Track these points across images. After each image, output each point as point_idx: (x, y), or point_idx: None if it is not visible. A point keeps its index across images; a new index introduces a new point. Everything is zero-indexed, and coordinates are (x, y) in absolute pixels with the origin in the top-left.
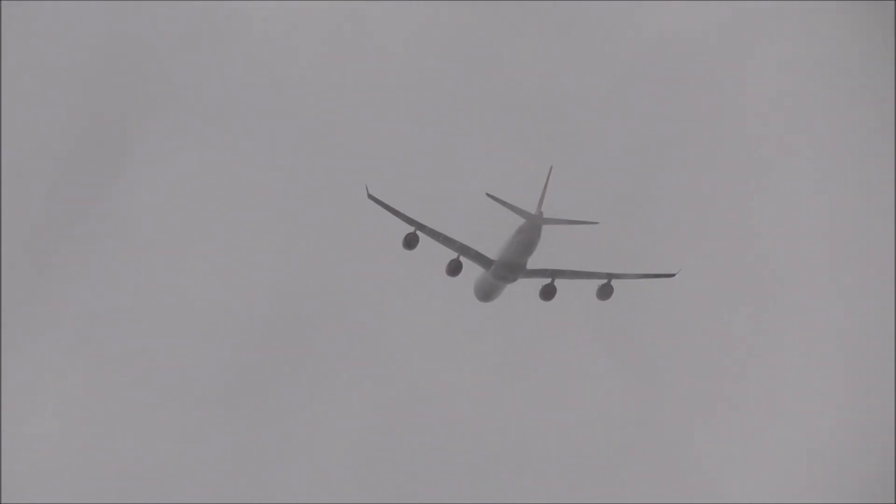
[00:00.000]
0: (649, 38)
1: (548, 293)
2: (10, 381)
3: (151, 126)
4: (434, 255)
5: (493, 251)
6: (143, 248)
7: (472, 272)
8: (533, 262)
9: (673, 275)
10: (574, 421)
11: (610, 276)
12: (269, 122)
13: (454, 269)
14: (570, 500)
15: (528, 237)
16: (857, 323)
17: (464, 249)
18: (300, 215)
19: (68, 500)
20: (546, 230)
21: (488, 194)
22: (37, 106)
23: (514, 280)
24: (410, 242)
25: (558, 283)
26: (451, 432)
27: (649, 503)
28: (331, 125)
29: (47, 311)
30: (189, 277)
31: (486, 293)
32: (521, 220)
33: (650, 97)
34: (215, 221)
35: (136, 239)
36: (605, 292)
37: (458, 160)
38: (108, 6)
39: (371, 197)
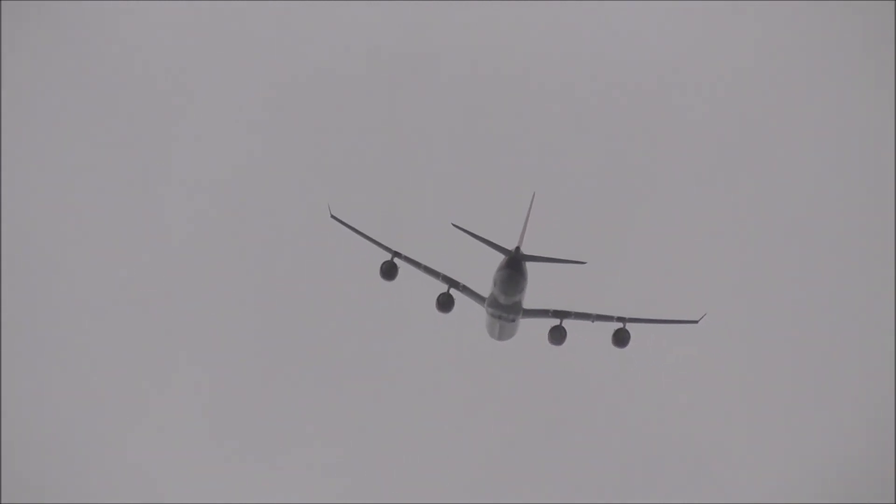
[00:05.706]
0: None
1: (557, 337)
2: None
3: None
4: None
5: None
6: None
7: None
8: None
9: (696, 321)
10: None
11: (623, 320)
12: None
13: (444, 303)
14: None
15: (508, 275)
16: (858, 323)
17: (451, 283)
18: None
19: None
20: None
21: (455, 225)
22: None
23: (513, 320)
24: (389, 272)
25: (569, 325)
26: None
27: (655, 503)
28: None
29: None
30: None
31: (494, 332)
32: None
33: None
34: None
35: None
36: (621, 338)
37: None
38: None
39: (334, 217)
